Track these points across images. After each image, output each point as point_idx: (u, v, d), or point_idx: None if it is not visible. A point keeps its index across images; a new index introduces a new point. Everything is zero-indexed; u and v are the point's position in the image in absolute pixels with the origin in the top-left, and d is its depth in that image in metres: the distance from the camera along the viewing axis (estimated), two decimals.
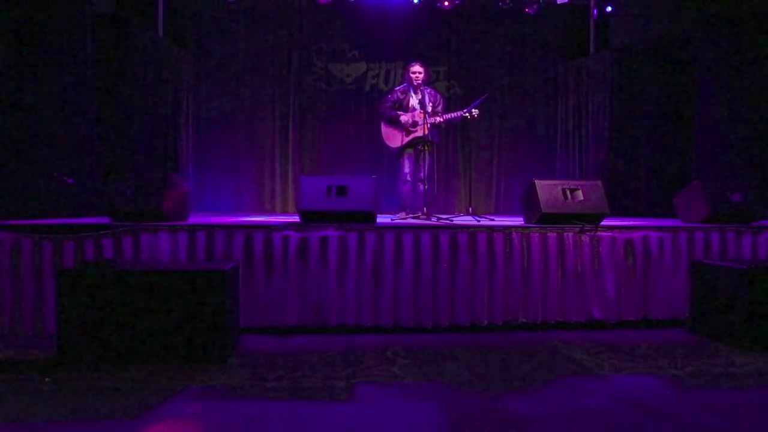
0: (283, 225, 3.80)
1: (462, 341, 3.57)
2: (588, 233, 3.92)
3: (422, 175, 5.40)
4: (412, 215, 5.26)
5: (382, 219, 4.58)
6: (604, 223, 4.15)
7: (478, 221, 4.51)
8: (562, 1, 7.67)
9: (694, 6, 6.16)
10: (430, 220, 4.80)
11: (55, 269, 3.44)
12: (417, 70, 5.52)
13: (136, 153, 6.15)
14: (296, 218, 4.30)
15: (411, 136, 5.49)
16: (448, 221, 4.56)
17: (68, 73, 5.14)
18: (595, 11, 7.91)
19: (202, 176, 7.71)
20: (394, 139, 5.55)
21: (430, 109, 5.41)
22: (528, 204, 4.32)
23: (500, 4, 7.71)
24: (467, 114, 5.29)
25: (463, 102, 7.56)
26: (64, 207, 4.94)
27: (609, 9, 7.71)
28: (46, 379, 2.73)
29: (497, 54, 8.13)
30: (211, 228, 3.73)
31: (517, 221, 4.52)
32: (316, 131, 8.00)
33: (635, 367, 3.03)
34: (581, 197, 4.16)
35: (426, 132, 5.28)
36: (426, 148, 5.38)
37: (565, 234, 3.90)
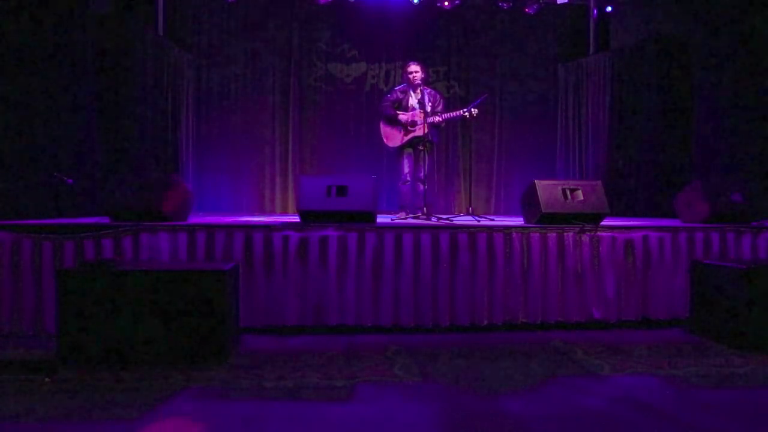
0: (283, 225, 3.80)
1: (462, 341, 3.57)
2: (588, 233, 3.92)
3: (422, 174, 5.40)
4: (412, 215, 5.26)
5: (382, 219, 4.57)
6: (604, 223, 4.15)
7: (478, 221, 4.51)
8: (562, 1, 7.69)
9: (694, 6, 6.16)
10: (430, 220, 4.80)
11: (55, 269, 3.44)
12: (413, 70, 5.53)
13: (136, 153, 6.15)
14: (296, 218, 4.30)
15: (410, 136, 5.49)
16: (448, 221, 4.56)
17: (68, 73, 5.14)
18: (595, 11, 7.92)
19: (202, 176, 7.71)
20: (393, 138, 5.56)
21: (429, 108, 5.40)
22: (528, 204, 4.32)
23: (500, 4, 7.72)
24: (466, 113, 5.29)
25: (463, 102, 7.58)
26: (64, 207, 4.93)
27: (609, 9, 7.72)
28: (46, 379, 2.74)
29: (497, 54, 8.14)
30: (211, 228, 3.72)
31: (517, 221, 4.52)
32: (316, 131, 8.01)
33: (635, 367, 3.03)
34: (581, 197, 4.16)
35: (425, 132, 5.28)
36: (425, 147, 5.38)
37: (565, 234, 3.90)
